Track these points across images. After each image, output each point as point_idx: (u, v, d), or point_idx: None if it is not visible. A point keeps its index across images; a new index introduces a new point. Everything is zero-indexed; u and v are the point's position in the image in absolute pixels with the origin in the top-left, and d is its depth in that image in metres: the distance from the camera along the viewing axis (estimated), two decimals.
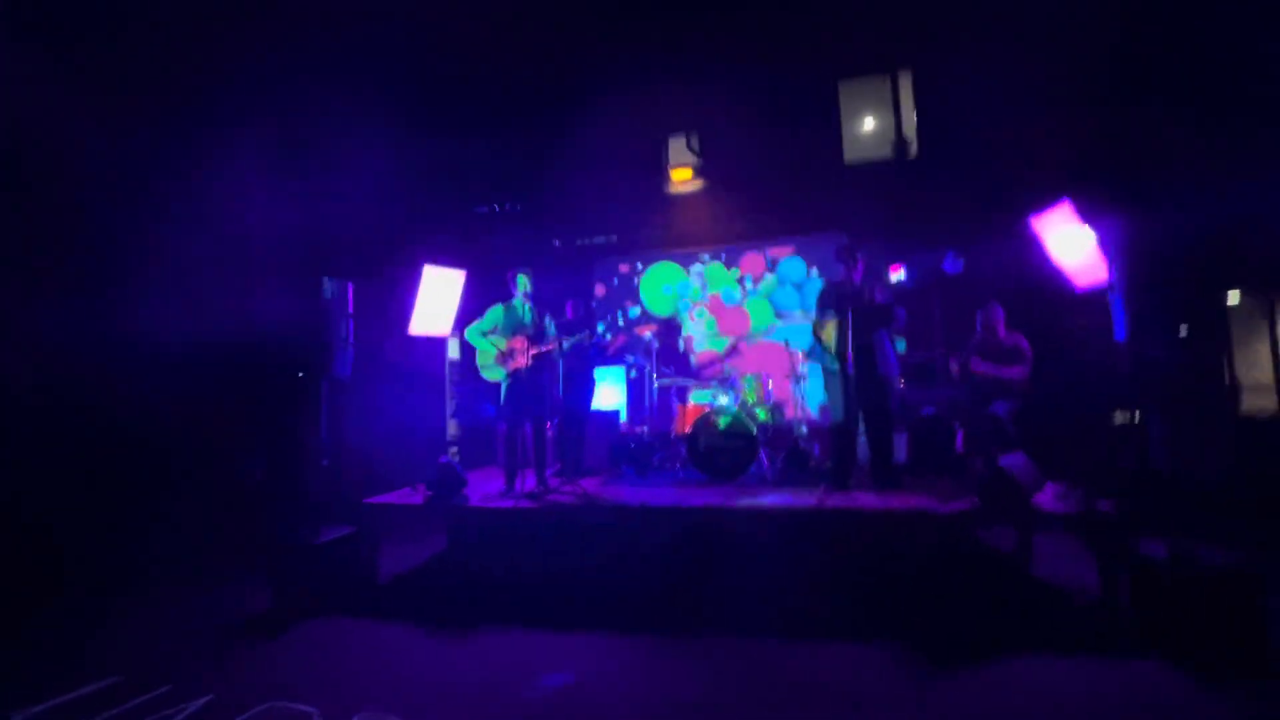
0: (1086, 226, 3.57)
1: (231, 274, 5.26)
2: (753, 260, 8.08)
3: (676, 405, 6.06)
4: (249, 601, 3.85)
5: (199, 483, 5.32)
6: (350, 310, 4.18)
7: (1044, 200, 3.84)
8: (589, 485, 4.70)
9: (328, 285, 4.09)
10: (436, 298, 4.80)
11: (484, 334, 4.63)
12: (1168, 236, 4.85)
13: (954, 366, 4.78)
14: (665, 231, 8.08)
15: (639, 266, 8.45)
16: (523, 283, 4.64)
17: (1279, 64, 4.67)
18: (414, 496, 4.34)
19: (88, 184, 4.85)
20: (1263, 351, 6.54)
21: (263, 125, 5.49)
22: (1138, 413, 5.05)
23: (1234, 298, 6.49)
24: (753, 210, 7.73)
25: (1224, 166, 5.13)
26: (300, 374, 4.19)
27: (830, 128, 7.72)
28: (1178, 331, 5.51)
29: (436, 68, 6.49)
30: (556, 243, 8.36)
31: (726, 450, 4.74)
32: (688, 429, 5.05)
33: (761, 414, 5.39)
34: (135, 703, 2.69)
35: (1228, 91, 5.06)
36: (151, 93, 5.03)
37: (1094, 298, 3.65)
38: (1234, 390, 6.47)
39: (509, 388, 4.58)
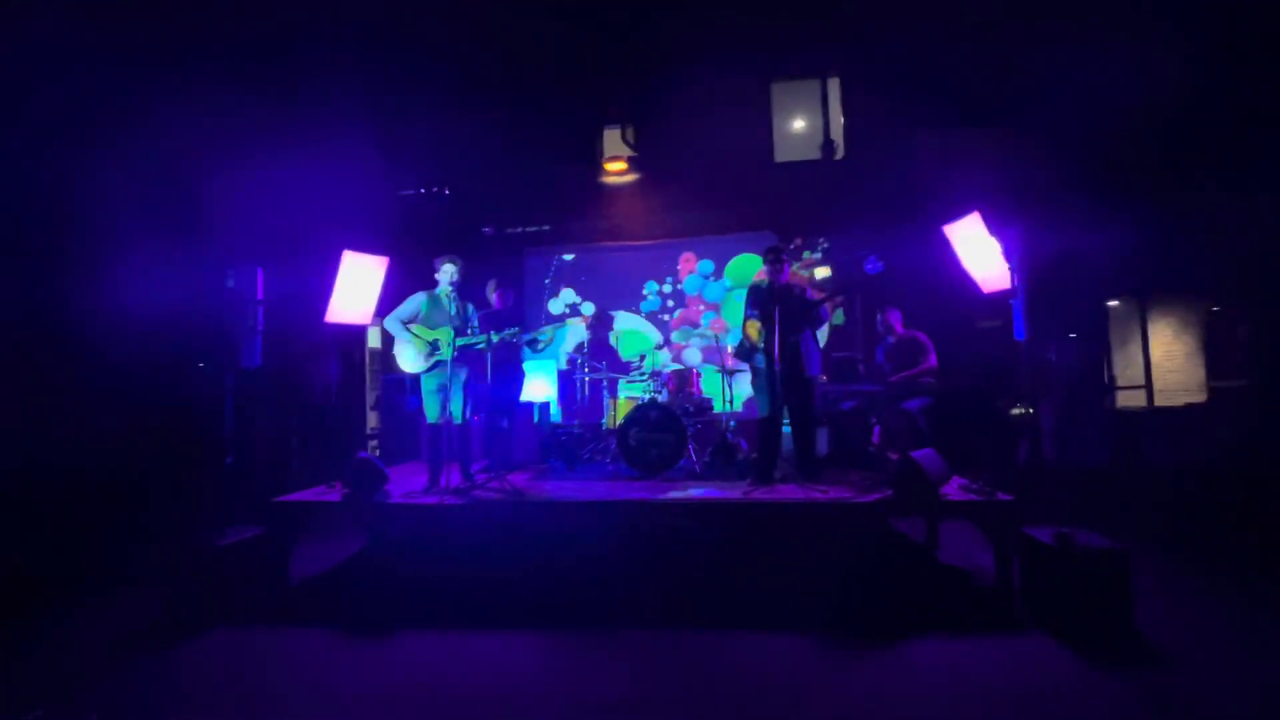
0: (992, 237, 3.82)
1: (130, 259, 4.78)
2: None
3: (607, 398, 6.06)
4: (144, 612, 3.53)
5: (90, 483, 4.84)
6: (260, 296, 3.88)
7: (956, 209, 4.07)
8: (518, 480, 4.62)
9: (233, 271, 3.78)
10: (356, 284, 4.55)
11: (404, 323, 4.44)
12: (1063, 248, 5.31)
13: (862, 368, 5.15)
14: (599, 223, 8.03)
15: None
16: (449, 271, 4.48)
17: (1163, 100, 5.18)
18: (330, 494, 4.12)
19: None
20: (1136, 352, 7.28)
21: (165, 93, 5.01)
22: (1031, 408, 5.50)
23: (1114, 304, 7.18)
24: (686, 205, 7.79)
25: (1112, 186, 5.67)
26: (200, 364, 3.87)
27: (763, 127, 7.91)
28: (1067, 334, 6.06)
29: (365, 40, 6.15)
30: (487, 230, 8.13)
31: (657, 444, 4.79)
32: (618, 422, 5.06)
33: (690, 408, 5.48)
34: None
35: (1111, 122, 5.58)
36: (48, 60, 4.50)
37: (998, 302, 3.91)
38: (1112, 386, 7.17)
39: (431, 379, 4.42)
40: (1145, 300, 7.18)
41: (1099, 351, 6.94)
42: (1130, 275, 6.61)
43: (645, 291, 8.07)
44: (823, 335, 7.11)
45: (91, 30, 4.67)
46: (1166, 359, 7.23)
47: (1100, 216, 5.61)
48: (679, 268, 8.06)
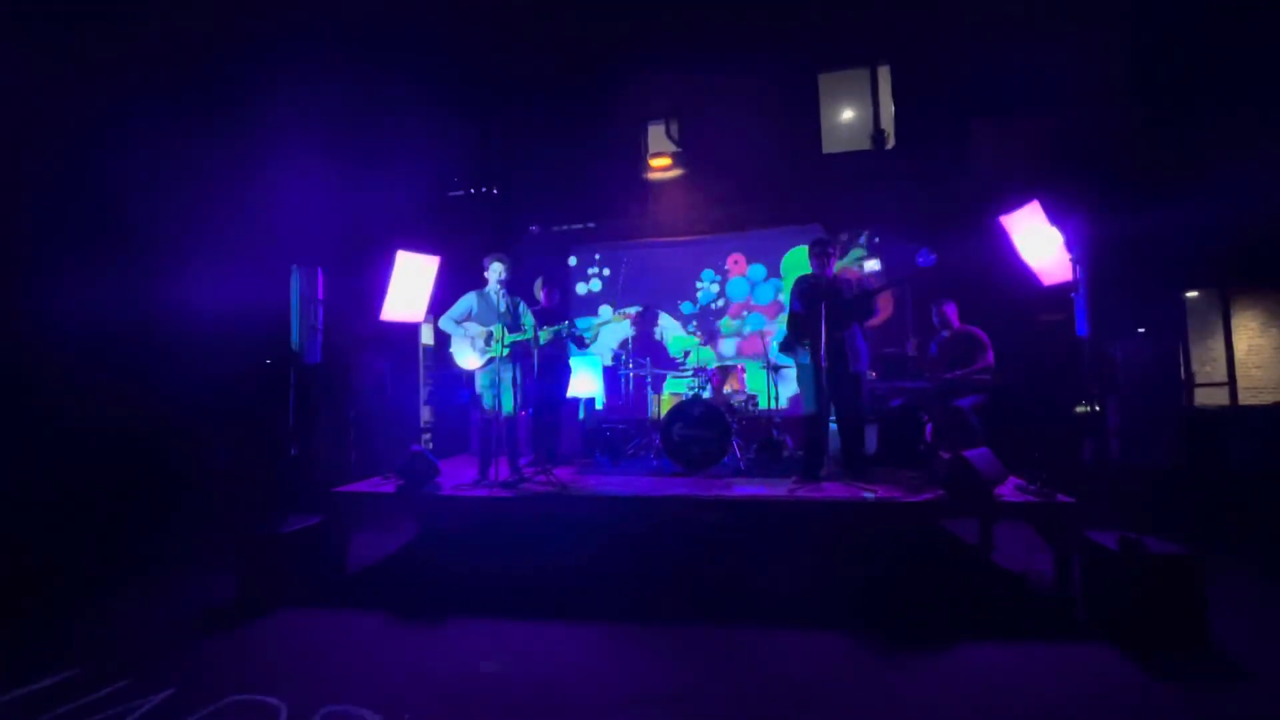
0: (1053, 227, 3.65)
1: (199, 262, 5.13)
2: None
3: (651, 394, 6.08)
4: (214, 592, 3.79)
5: (164, 472, 5.22)
6: (320, 296, 4.08)
7: (1013, 199, 3.91)
8: (563, 474, 4.70)
9: (297, 272, 3.99)
10: (409, 283, 4.72)
11: (457, 322, 4.58)
12: (1130, 238, 5.01)
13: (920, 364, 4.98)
14: (644, 219, 8.04)
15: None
16: (497, 269, 4.59)
17: (1232, 79, 4.82)
18: (385, 485, 4.30)
19: (42, 172, 4.68)
20: (1217, 347, 6.80)
21: (231, 110, 5.33)
22: (1096, 406, 5.22)
23: (1192, 296, 6.72)
24: (732, 200, 7.73)
25: (1182, 172, 5.30)
26: (268, 361, 4.11)
27: (809, 118, 7.76)
28: (1137, 328, 5.71)
29: (412, 52, 6.36)
30: (534, 228, 8.27)
31: (700, 440, 4.78)
32: (662, 418, 5.08)
33: (735, 404, 5.45)
34: (93, 697, 2.63)
35: (1187, 102, 5.22)
36: (116, 79, 4.86)
37: (1058, 295, 3.73)
38: (1189, 384, 6.72)
39: (484, 375, 4.55)
40: (1227, 291, 6.70)
41: (1173, 346, 6.51)
42: (1209, 265, 6.18)
43: (698, 284, 8.00)
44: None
45: (170, 38, 4.99)
46: (1252, 354, 6.75)
47: (1174, 203, 5.25)
48: (727, 268, 7.97)
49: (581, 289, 8.33)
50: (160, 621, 3.46)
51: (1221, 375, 6.70)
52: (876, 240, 7.43)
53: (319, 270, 4.08)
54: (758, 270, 7.87)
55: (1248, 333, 6.73)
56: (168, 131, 5.02)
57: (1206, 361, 6.85)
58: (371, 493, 4.21)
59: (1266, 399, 6.43)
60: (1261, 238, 5.70)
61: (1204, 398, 6.74)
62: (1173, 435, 5.83)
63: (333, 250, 5.09)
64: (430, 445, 7.53)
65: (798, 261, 7.67)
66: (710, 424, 4.79)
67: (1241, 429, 6.04)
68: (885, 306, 7.10)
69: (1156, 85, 5.34)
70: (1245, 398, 6.56)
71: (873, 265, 7.39)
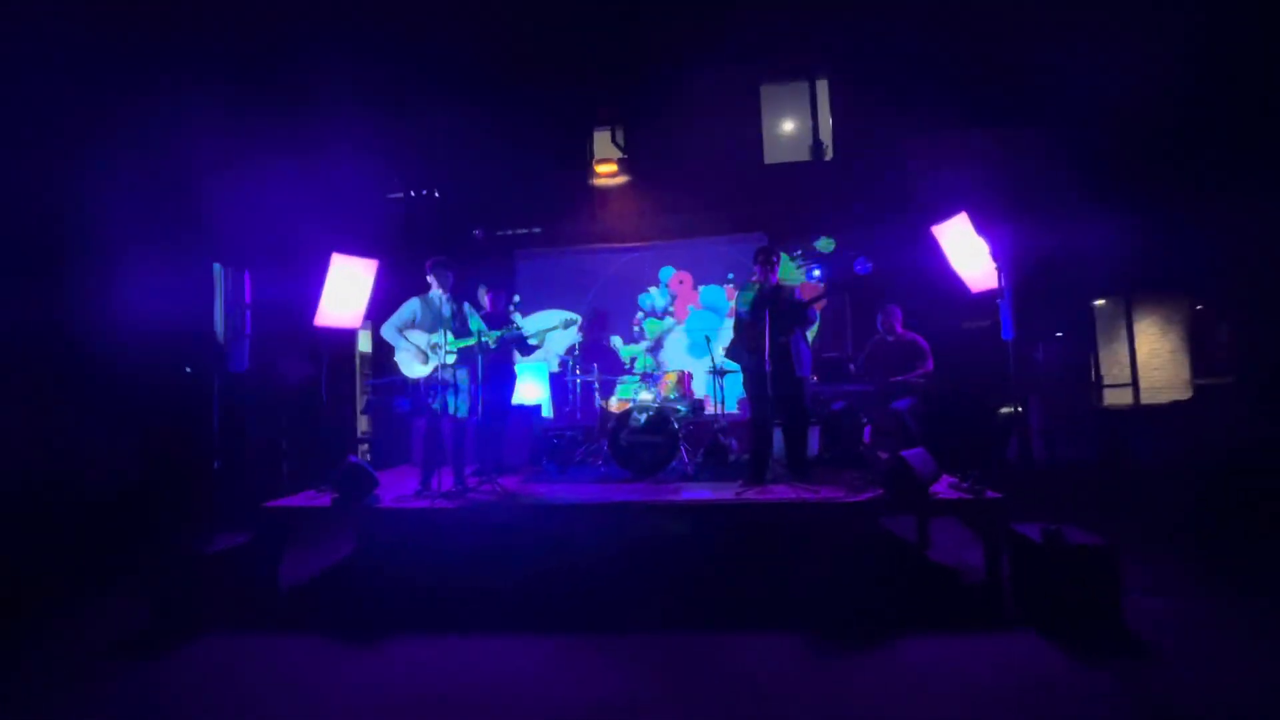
0: (980, 237, 3.86)
1: (110, 261, 4.74)
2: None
3: (599, 401, 6.05)
4: (129, 620, 3.49)
5: (72, 489, 4.79)
6: (248, 300, 3.86)
7: (944, 210, 4.11)
8: (509, 483, 4.61)
9: (222, 272, 3.75)
10: (346, 287, 4.53)
11: (399, 329, 4.42)
12: (1048, 248, 5.38)
13: (852, 367, 5.14)
14: (590, 225, 8.03)
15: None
16: (441, 274, 4.46)
17: (1142, 101, 5.26)
18: (320, 499, 4.08)
19: None
20: (1122, 351, 7.37)
21: (149, 95, 4.97)
22: (1020, 407, 5.56)
23: (1100, 303, 7.27)
24: (678, 208, 7.81)
25: (1093, 188, 5.74)
26: (187, 369, 3.85)
27: (752, 129, 7.95)
28: (1055, 333, 6.13)
29: (354, 43, 6.12)
30: (478, 232, 8.11)
31: (648, 445, 4.78)
32: (610, 425, 5.06)
33: (682, 409, 5.48)
34: None
35: (1098, 123, 5.66)
36: (19, 53, 4.46)
37: (985, 302, 3.95)
38: (1099, 385, 7.25)
39: (426, 382, 4.40)
40: (1130, 299, 7.28)
41: (1086, 350, 7.02)
42: (1115, 274, 6.70)
43: (648, 292, 8.01)
44: (812, 331, 7.16)
45: (86, 28, 4.63)
46: (1152, 357, 7.33)
47: (1086, 217, 5.68)
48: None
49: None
50: (69, 653, 3.16)
51: (1126, 377, 7.26)
52: (799, 253, 7.64)
53: (246, 272, 3.86)
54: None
55: (1148, 337, 7.31)
56: (78, 113, 4.64)
57: (1113, 364, 7.40)
58: (305, 507, 3.99)
59: (1165, 398, 7.00)
60: (1161, 249, 6.22)
61: (1112, 398, 7.28)
62: (1087, 432, 6.28)
63: (263, 251, 4.82)
64: (368, 456, 7.24)
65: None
66: (658, 429, 4.80)
67: (1144, 426, 6.57)
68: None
69: (1076, 103, 5.77)
70: (1147, 397, 7.13)
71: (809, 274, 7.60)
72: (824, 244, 7.05)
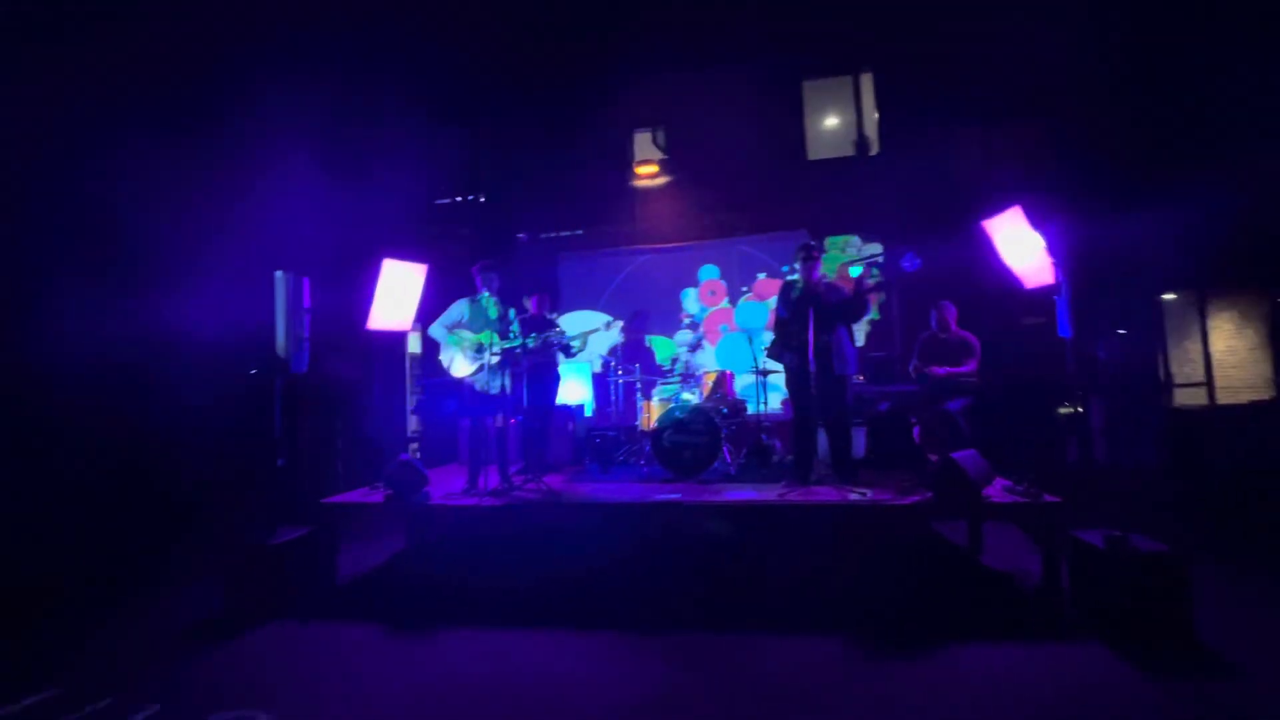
0: (1035, 231, 3.71)
1: (183, 271, 5.07)
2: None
3: (641, 401, 6.08)
4: (202, 606, 3.72)
5: (150, 485, 5.13)
6: (306, 305, 4.05)
7: (996, 204, 3.97)
8: (553, 481, 4.68)
9: (282, 280, 3.95)
10: (396, 292, 4.69)
11: (449, 329, 4.56)
12: (1109, 242, 5.11)
13: (910, 367, 4.99)
14: (631, 226, 8.07)
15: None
16: (487, 277, 4.57)
17: (1211, 86, 4.95)
18: (373, 495, 4.25)
19: (23, 183, 4.62)
20: (1195, 348, 6.94)
21: (216, 117, 5.29)
22: (1080, 407, 5.30)
23: (1168, 298, 6.87)
24: (718, 207, 7.78)
25: (1159, 177, 5.43)
26: (253, 371, 4.06)
27: (794, 126, 7.84)
28: (1117, 331, 5.82)
29: (398, 60, 6.35)
30: (522, 236, 8.27)
31: (690, 446, 4.79)
32: (652, 424, 5.08)
33: (725, 410, 5.46)
34: (75, 716, 2.57)
35: (1166, 108, 5.35)
36: (101, 87, 4.81)
37: (1041, 298, 3.79)
38: (1168, 385, 6.85)
39: (474, 383, 4.52)
40: (1204, 293, 6.85)
41: (1153, 348, 6.64)
42: (1186, 268, 6.32)
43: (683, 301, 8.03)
44: (860, 334, 7.01)
45: (150, 33, 4.94)
46: (1229, 354, 6.88)
47: (1150, 207, 5.37)
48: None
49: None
50: (146, 637, 3.40)
51: (1199, 376, 6.84)
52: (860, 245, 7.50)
53: (305, 279, 4.05)
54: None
55: (1224, 334, 6.87)
56: (152, 138, 4.97)
57: (1185, 363, 6.98)
58: (360, 503, 4.16)
59: (1243, 398, 6.56)
60: (1235, 241, 5.84)
61: (1183, 398, 6.87)
62: (1154, 435, 5.94)
63: (319, 258, 5.04)
64: (418, 455, 7.47)
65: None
66: (700, 429, 4.80)
67: (1220, 428, 6.17)
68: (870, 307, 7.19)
69: (1136, 92, 5.47)
70: (1223, 397, 6.69)
71: (859, 269, 7.44)
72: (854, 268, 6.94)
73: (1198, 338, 6.89)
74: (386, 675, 2.88)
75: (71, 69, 4.74)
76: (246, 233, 5.28)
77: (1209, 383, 6.79)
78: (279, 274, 3.96)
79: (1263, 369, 6.71)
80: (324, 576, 4.02)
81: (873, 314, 7.27)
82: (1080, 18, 5.38)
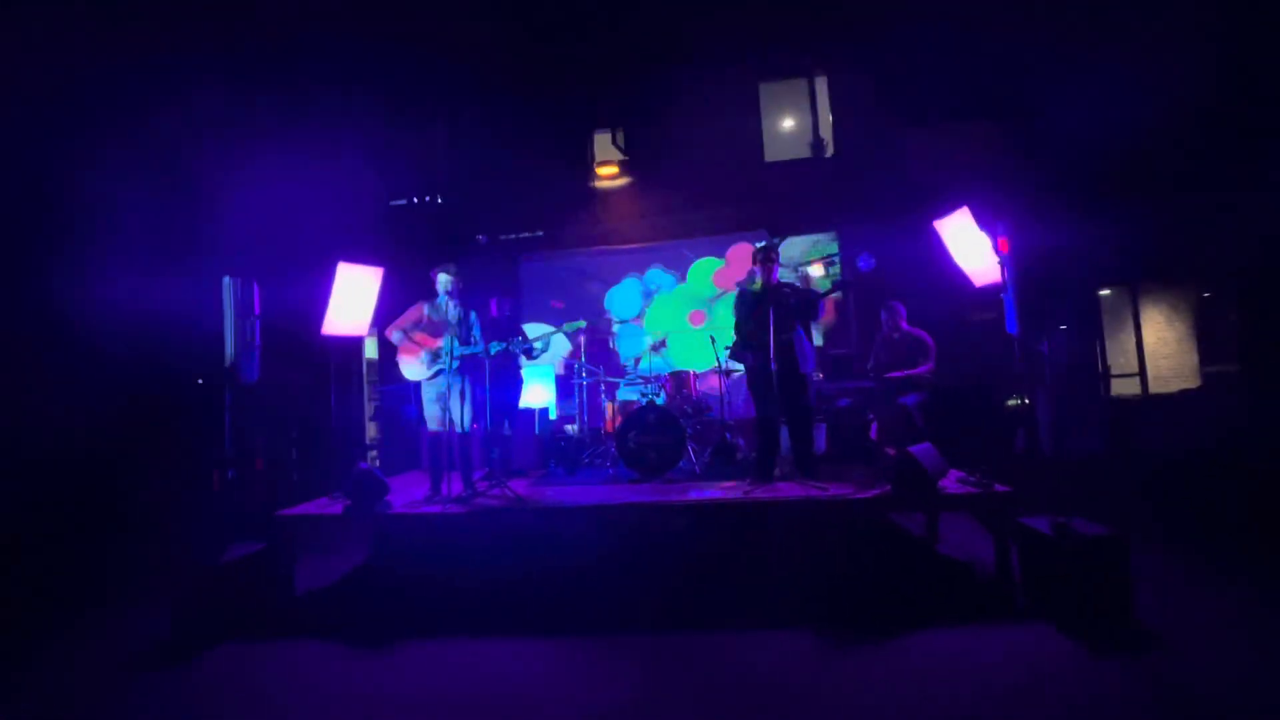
0: (982, 231, 3.86)
1: (123, 274, 4.80)
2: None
3: (606, 402, 6.08)
4: (149, 629, 3.54)
5: (89, 503, 4.85)
6: (257, 311, 3.90)
7: (946, 204, 4.11)
8: (518, 486, 4.64)
9: (229, 286, 3.79)
10: (352, 296, 4.57)
11: (405, 332, 4.46)
12: (1051, 241, 5.36)
13: (869, 367, 5.15)
14: (592, 227, 8.05)
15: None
16: (445, 280, 4.49)
17: (1147, 90, 5.24)
18: (331, 506, 4.13)
19: None
20: (1129, 341, 7.34)
21: (157, 110, 5.03)
22: (1026, 400, 5.54)
23: (1105, 293, 7.24)
24: (679, 207, 7.83)
25: (1096, 177, 5.72)
26: (199, 380, 3.89)
27: (752, 127, 7.95)
28: (1059, 325, 6.12)
29: (352, 58, 6.17)
30: (481, 238, 8.15)
31: (655, 446, 4.81)
32: (616, 426, 5.08)
33: (688, 409, 5.50)
34: None
35: (1096, 116, 5.64)
36: (37, 80, 4.52)
37: (990, 296, 3.95)
38: (1106, 376, 7.22)
39: (431, 387, 4.44)
40: (1136, 288, 7.24)
41: (1092, 341, 7.00)
42: (1120, 263, 6.68)
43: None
44: (818, 333, 7.16)
45: (95, 34, 4.68)
46: (1159, 346, 7.29)
47: (1089, 207, 5.67)
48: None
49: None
50: (90, 664, 3.21)
51: (1133, 367, 7.23)
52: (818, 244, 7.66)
53: (254, 282, 3.90)
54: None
55: (1155, 326, 7.28)
56: (96, 133, 4.70)
57: (1120, 354, 7.36)
58: (318, 515, 4.03)
59: (1173, 387, 6.97)
60: (1166, 237, 6.20)
61: (1119, 388, 7.25)
62: (1095, 424, 6.25)
63: (270, 262, 4.87)
64: (378, 463, 7.28)
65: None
66: (665, 429, 4.82)
67: (1152, 416, 6.54)
68: (828, 310, 7.36)
69: (1073, 98, 5.76)
70: (1155, 387, 7.09)
71: (818, 271, 7.60)
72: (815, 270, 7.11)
73: (1131, 330, 7.29)
74: (348, 692, 2.79)
75: (17, 60, 4.45)
76: (192, 235, 5.06)
77: (1142, 373, 7.18)
78: (226, 280, 3.80)
79: (1190, 359, 7.14)
80: (280, 593, 3.87)
81: (827, 314, 7.45)
82: (1025, 24, 5.62)
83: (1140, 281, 7.16)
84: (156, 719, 2.63)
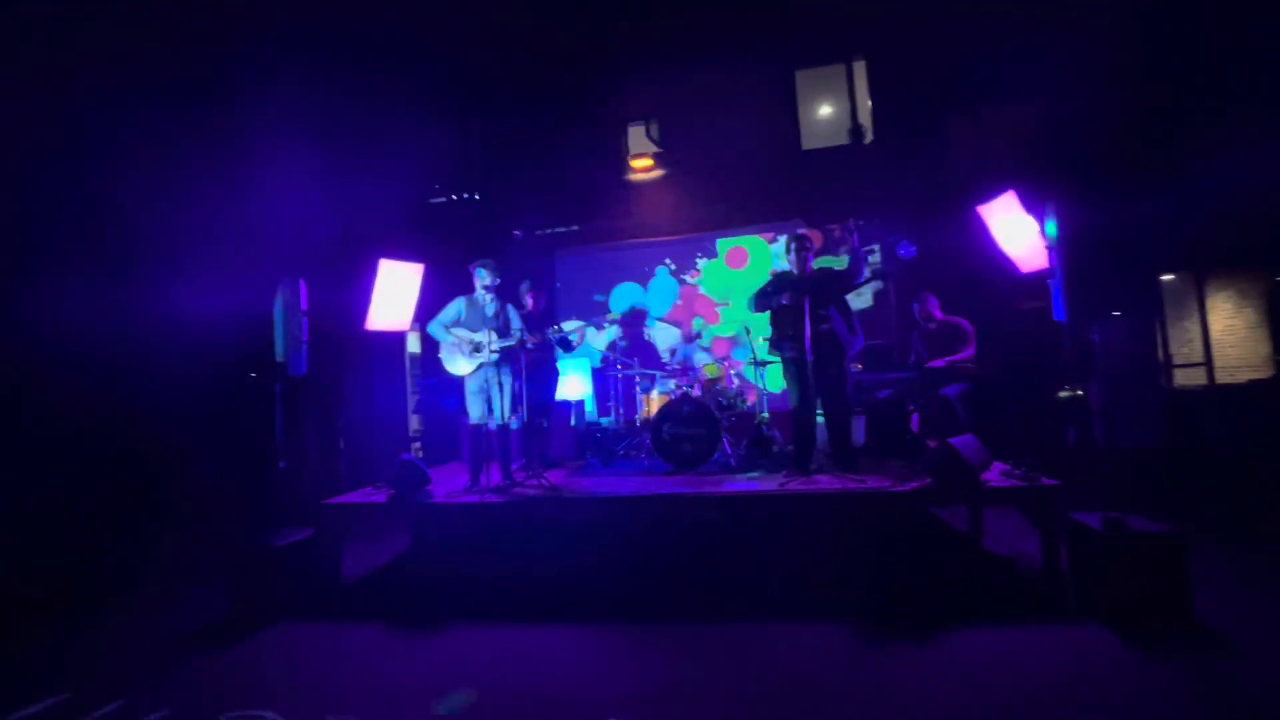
0: (1029, 215, 3.72)
1: (182, 274, 5.07)
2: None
3: (641, 395, 6.10)
4: (207, 609, 3.75)
5: (152, 489, 5.15)
6: (304, 307, 4.06)
7: (990, 189, 3.97)
8: (555, 477, 4.71)
9: (280, 283, 3.96)
10: (393, 292, 4.70)
11: (446, 327, 4.57)
12: (1105, 224, 5.10)
13: (910, 359, 5.05)
14: (627, 220, 8.06)
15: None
16: (484, 275, 4.57)
17: (1208, 68, 4.93)
18: (376, 495, 4.28)
19: (16, 176, 4.61)
20: (1193, 329, 6.94)
21: (206, 118, 5.28)
22: (1078, 390, 5.31)
23: (1167, 279, 6.86)
24: (714, 198, 7.76)
25: (1155, 158, 5.41)
26: (253, 374, 4.09)
27: (788, 115, 7.80)
28: (1113, 312, 5.83)
29: (390, 57, 6.31)
30: (518, 233, 8.26)
31: (690, 438, 4.80)
32: (652, 418, 5.10)
33: (724, 401, 5.47)
34: None
35: (1161, 90, 5.33)
36: (99, 82, 4.79)
37: (1037, 283, 3.80)
38: (1168, 365, 6.85)
39: (473, 380, 4.53)
40: (1201, 273, 6.83)
41: (1151, 329, 6.64)
42: (1182, 248, 6.31)
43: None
44: (865, 300, 6.97)
45: (147, 44, 4.93)
46: (1227, 334, 6.87)
47: (1146, 189, 5.36)
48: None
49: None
50: (153, 641, 3.42)
51: (1198, 356, 6.83)
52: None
53: (301, 281, 4.06)
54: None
55: (1222, 313, 6.86)
56: (150, 139, 4.96)
57: (1184, 343, 6.97)
58: (363, 503, 4.19)
59: (1241, 378, 6.56)
60: (1234, 221, 5.82)
61: (1182, 378, 6.86)
62: (1154, 416, 5.94)
63: (315, 261, 5.06)
64: (420, 454, 7.49)
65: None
66: (700, 421, 4.82)
67: (1219, 408, 6.17)
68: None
69: (1130, 74, 5.45)
70: (1221, 377, 6.69)
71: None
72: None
73: (1196, 318, 6.89)
74: (392, 673, 2.90)
75: (72, 63, 4.73)
76: (243, 235, 5.29)
77: (1208, 363, 6.78)
78: (278, 277, 3.97)
79: (1261, 348, 6.70)
80: (328, 577, 4.04)
81: (868, 302, 7.29)
82: (1074, 2, 5.35)
83: (1206, 266, 6.75)
84: (215, 691, 2.79)
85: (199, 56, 5.24)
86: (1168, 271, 6.98)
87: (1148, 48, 5.26)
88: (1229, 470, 5.14)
